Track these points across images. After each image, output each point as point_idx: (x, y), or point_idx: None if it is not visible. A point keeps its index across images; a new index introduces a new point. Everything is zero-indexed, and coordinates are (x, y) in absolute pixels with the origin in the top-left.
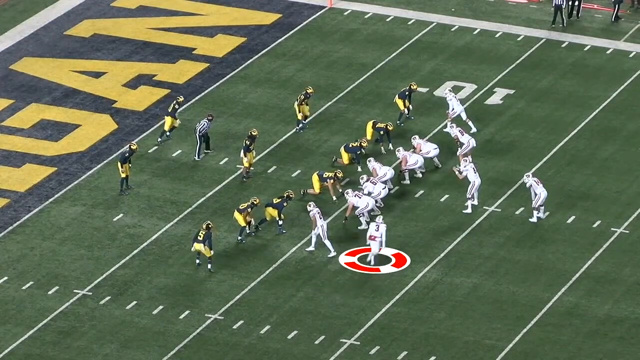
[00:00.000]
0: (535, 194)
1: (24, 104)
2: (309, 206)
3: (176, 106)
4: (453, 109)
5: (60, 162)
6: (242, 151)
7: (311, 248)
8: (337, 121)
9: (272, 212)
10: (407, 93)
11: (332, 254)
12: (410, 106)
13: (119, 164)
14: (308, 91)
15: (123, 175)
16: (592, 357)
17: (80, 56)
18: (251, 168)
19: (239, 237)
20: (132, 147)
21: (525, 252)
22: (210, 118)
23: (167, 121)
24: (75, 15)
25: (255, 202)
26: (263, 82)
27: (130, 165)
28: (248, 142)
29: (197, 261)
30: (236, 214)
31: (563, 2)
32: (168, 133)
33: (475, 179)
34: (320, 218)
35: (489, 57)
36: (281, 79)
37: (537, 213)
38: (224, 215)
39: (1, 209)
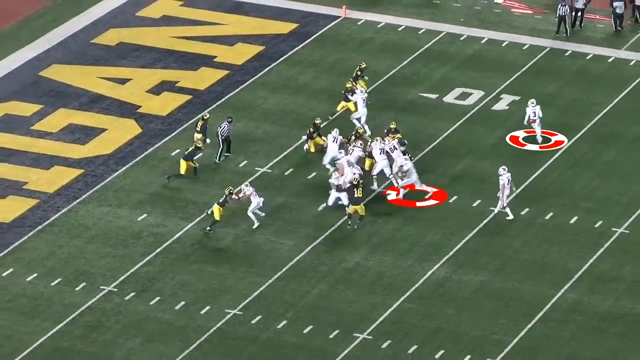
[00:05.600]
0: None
1: (52, 109)
2: (245, 186)
3: (200, 122)
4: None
5: (87, 165)
6: (306, 138)
7: (256, 224)
8: (352, 126)
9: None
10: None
11: (256, 224)
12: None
13: (183, 161)
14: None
15: (182, 172)
16: (594, 352)
17: (106, 63)
18: (312, 151)
19: (208, 228)
20: (197, 145)
21: (530, 251)
22: (230, 120)
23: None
24: (102, 24)
25: (232, 192)
26: (280, 88)
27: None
28: (312, 130)
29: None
30: (215, 207)
31: (567, 12)
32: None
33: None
34: (256, 196)
35: (496, 65)
36: (298, 86)
37: (507, 208)
38: (242, 215)
39: (31, 209)
